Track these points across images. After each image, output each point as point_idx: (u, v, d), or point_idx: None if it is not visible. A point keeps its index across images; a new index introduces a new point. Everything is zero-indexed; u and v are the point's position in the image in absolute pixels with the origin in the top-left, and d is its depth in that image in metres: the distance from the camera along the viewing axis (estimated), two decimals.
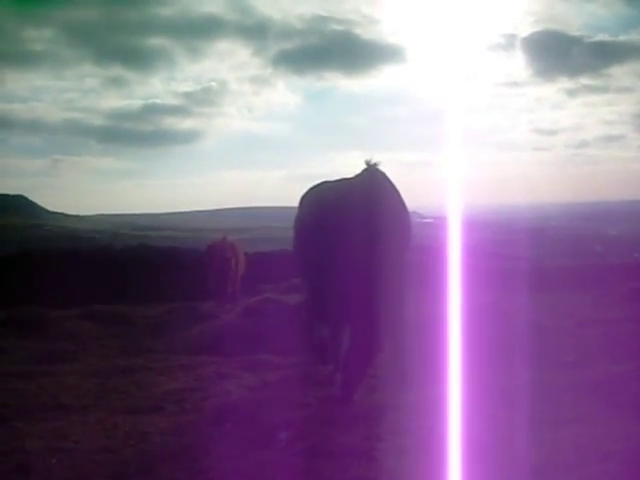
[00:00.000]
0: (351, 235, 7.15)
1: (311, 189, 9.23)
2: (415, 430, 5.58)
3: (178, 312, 14.32)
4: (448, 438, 5.21)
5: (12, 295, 25.69)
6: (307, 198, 9.15)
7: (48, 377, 9.01)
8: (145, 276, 25.73)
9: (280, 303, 12.19)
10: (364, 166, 7.66)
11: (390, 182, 7.51)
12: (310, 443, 5.26)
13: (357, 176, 7.69)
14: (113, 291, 26.90)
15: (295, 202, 8.66)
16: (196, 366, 9.44)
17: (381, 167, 7.54)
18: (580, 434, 5.33)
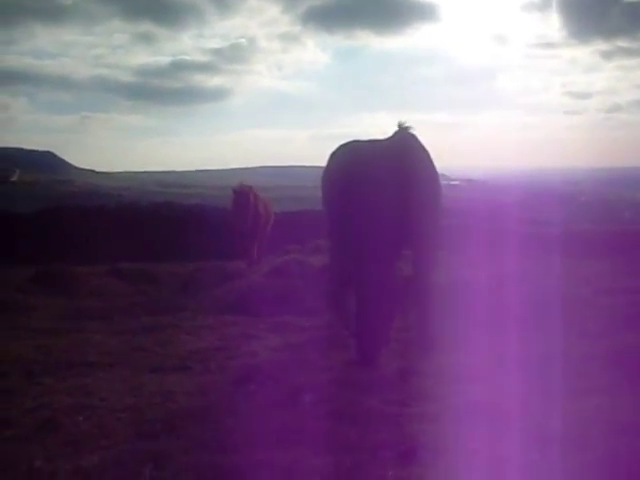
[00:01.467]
0: (382, 197, 7.11)
1: (341, 147, 9.19)
2: (439, 396, 5.58)
3: (205, 271, 14.32)
4: (470, 405, 5.20)
5: (40, 251, 26.03)
6: (337, 156, 9.10)
7: (76, 334, 9.12)
8: (172, 234, 25.78)
9: (306, 264, 12.17)
10: (395, 128, 7.61)
11: (422, 145, 7.47)
12: (334, 407, 5.27)
13: (388, 138, 7.63)
14: (141, 249, 27.12)
15: (322, 162, 8.60)
16: (222, 325, 9.51)
17: (412, 130, 7.47)
18: (600, 405, 5.29)
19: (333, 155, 9.10)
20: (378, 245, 6.90)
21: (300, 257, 12.85)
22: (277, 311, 10.47)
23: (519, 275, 9.94)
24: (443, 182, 7.63)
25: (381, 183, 7.14)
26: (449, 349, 7.34)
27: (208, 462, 4.23)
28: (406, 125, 7.50)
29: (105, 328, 9.65)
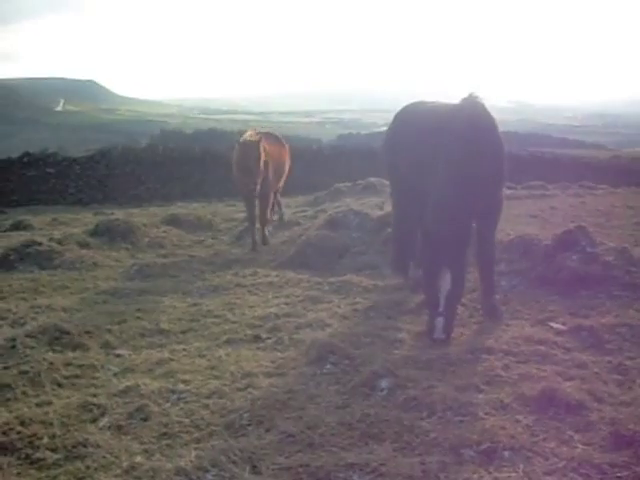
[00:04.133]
0: (451, 164, 7.19)
1: (406, 108, 9.23)
2: (512, 381, 5.69)
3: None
4: (546, 394, 5.28)
5: (95, 195, 26.48)
6: (403, 118, 9.14)
7: (144, 296, 9.38)
8: (219, 169, 25.68)
9: (364, 215, 12.23)
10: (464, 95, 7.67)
11: (491, 115, 7.52)
12: (411, 394, 5.41)
13: (457, 105, 7.68)
14: (191, 185, 27.37)
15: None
16: (285, 284, 9.69)
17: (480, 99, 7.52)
18: None
19: (398, 117, 9.17)
20: (468, 207, 6.99)
21: (357, 207, 12.88)
22: (337, 267, 10.63)
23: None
24: (488, 103, 7.72)
25: (451, 148, 7.24)
26: (515, 320, 7.43)
27: (301, 464, 4.42)
28: (474, 94, 7.54)
29: (171, 288, 9.89)
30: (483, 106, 7.47)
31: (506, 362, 6.06)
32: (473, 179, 7.06)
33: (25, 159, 27.00)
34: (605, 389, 5.49)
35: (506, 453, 4.52)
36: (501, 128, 7.79)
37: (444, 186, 7.13)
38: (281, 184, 14.71)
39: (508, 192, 16.24)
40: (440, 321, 6.69)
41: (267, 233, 13.50)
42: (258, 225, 13.33)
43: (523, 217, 13.30)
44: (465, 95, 7.57)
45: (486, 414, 5.08)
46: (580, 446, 4.60)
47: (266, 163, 12.54)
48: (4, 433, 5.08)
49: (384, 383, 5.66)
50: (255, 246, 12.89)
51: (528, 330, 6.95)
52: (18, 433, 5.08)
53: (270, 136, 14.08)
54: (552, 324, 7.14)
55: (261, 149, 12.20)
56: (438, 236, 6.85)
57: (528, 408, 5.16)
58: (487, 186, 7.22)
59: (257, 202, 13.12)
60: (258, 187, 12.17)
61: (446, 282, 6.72)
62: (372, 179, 20.16)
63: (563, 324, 7.11)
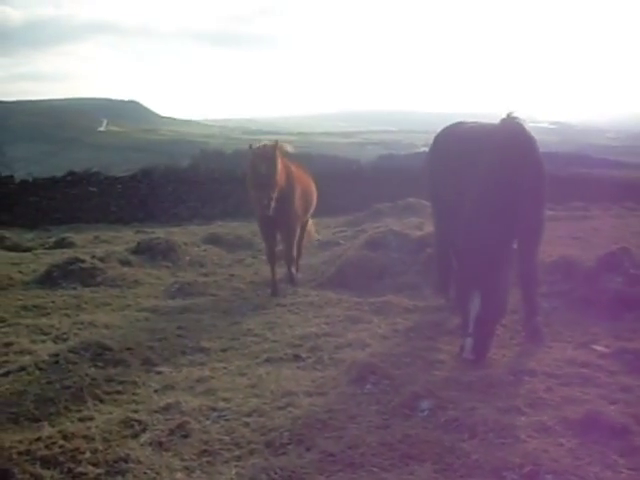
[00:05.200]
0: (490, 185, 7.17)
1: (446, 129, 9.25)
2: (554, 403, 5.62)
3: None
4: (589, 417, 5.21)
5: (136, 214, 26.76)
6: (442, 140, 9.15)
7: (185, 314, 9.45)
8: None
9: (404, 236, 12.20)
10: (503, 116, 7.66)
11: (531, 136, 7.49)
12: (452, 415, 5.38)
13: (498, 127, 7.66)
14: (231, 205, 27.52)
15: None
16: (325, 304, 9.69)
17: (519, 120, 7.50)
18: None
19: (439, 139, 9.16)
20: (502, 227, 6.96)
21: (397, 228, 12.84)
22: (377, 287, 10.61)
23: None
24: (529, 124, 7.71)
25: (492, 172, 7.22)
26: (558, 342, 7.36)
27: None
28: (513, 114, 7.53)
29: (211, 306, 9.96)
30: (522, 126, 7.45)
31: (549, 384, 6.01)
32: (511, 199, 7.03)
33: (69, 178, 27.43)
34: None
35: (549, 477, 4.45)
36: (542, 149, 7.75)
37: (477, 206, 7.10)
38: (307, 219, 12.61)
39: (549, 213, 16.03)
40: (469, 342, 6.65)
41: (294, 272, 11.65)
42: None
43: (565, 238, 13.17)
44: (504, 115, 7.56)
45: (528, 437, 5.02)
46: (625, 471, 4.53)
47: (291, 184, 10.76)
48: (47, 447, 5.13)
49: (425, 404, 5.62)
50: (276, 289, 10.83)
51: (571, 352, 6.89)
52: (61, 447, 5.13)
53: (299, 165, 12.07)
54: (595, 346, 7.05)
55: (277, 157, 10.22)
56: (468, 257, 6.83)
57: (571, 431, 5.09)
58: (527, 207, 7.17)
59: (279, 233, 11.19)
60: (273, 204, 9.94)
61: (476, 303, 6.68)
62: (412, 200, 20.13)
63: (606, 347, 7.02)
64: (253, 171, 10.11)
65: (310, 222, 13.20)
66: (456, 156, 8.33)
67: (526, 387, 6.00)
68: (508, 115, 7.51)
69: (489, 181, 7.20)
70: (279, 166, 10.23)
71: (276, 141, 10.60)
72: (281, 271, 11.53)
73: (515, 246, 7.29)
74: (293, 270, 11.57)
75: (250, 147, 10.35)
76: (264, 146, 10.26)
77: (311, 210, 12.42)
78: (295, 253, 11.65)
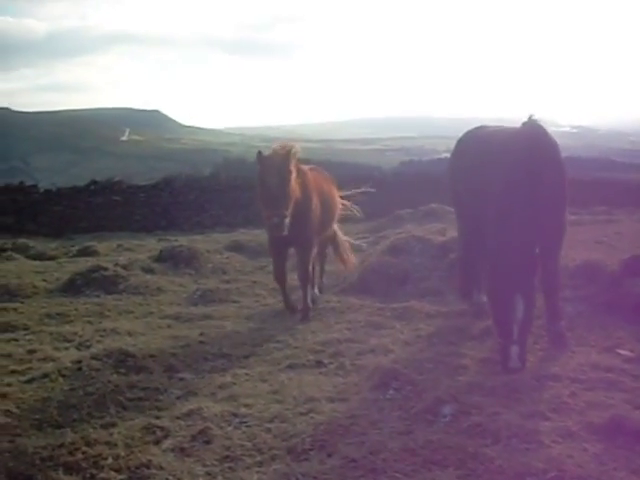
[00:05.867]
0: (512, 189, 7.12)
1: (468, 133, 9.21)
2: (579, 408, 5.57)
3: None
4: (614, 422, 5.15)
5: (159, 222, 26.88)
6: (464, 144, 9.11)
7: (207, 321, 9.46)
8: None
9: (426, 241, 12.15)
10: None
11: (552, 139, 7.44)
12: (475, 421, 5.33)
13: (520, 131, 7.60)
14: (253, 212, 27.55)
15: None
16: (347, 310, 9.67)
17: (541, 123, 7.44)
18: None
19: (461, 143, 9.11)
20: (532, 232, 6.89)
21: (419, 233, 12.79)
22: (400, 292, 10.57)
23: None
24: (551, 129, 7.64)
25: (515, 178, 7.17)
26: (582, 347, 7.29)
27: None
28: (534, 117, 7.47)
29: (233, 312, 9.97)
30: (544, 129, 7.39)
31: (573, 389, 5.94)
32: (534, 203, 6.97)
33: (92, 187, 27.60)
34: None
35: None
36: (565, 153, 7.70)
37: (505, 211, 7.04)
38: (329, 232, 10.88)
39: (572, 218, 15.97)
40: (515, 350, 6.52)
41: (316, 291, 10.58)
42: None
43: (588, 243, 13.05)
44: (525, 119, 7.51)
45: (552, 442, 4.97)
46: None
47: (307, 194, 9.30)
48: (70, 453, 5.15)
49: (447, 409, 5.58)
50: (293, 309, 9.81)
51: (595, 357, 6.82)
52: (83, 453, 5.14)
53: (316, 168, 10.73)
54: (620, 351, 6.98)
55: (291, 167, 8.78)
56: (508, 264, 6.72)
57: (596, 436, 5.03)
58: (549, 210, 7.12)
59: (293, 248, 9.80)
60: (287, 221, 8.55)
61: (519, 310, 6.58)
62: (434, 205, 20.08)
63: (631, 351, 6.95)
64: (262, 184, 8.66)
65: (340, 235, 11.60)
66: (478, 160, 8.29)
67: (550, 392, 5.94)
68: (529, 118, 7.46)
69: (512, 185, 7.15)
70: (293, 177, 8.80)
71: (289, 146, 9.04)
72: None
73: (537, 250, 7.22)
74: (314, 291, 10.34)
75: (259, 154, 8.84)
76: (275, 154, 8.83)
77: (335, 218, 10.80)
78: (310, 270, 9.83)
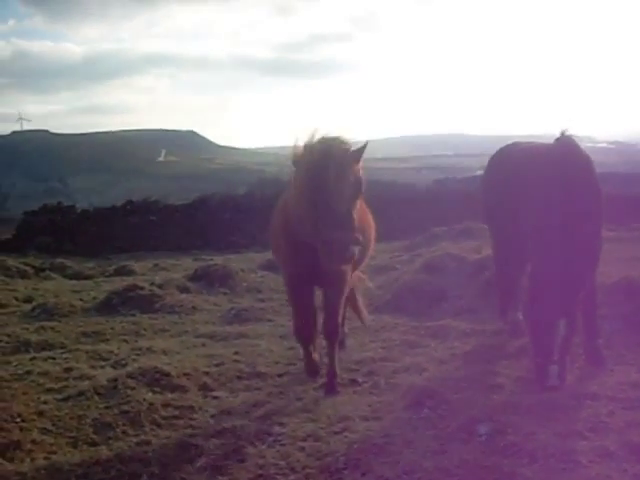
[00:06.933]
0: (547, 205, 7.04)
1: (501, 150, 9.14)
2: (617, 428, 5.47)
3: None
4: None
5: (194, 241, 27.04)
6: (497, 161, 9.04)
7: (242, 339, 9.47)
8: None
9: (461, 259, 12.07)
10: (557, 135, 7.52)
11: (585, 154, 7.34)
12: (511, 440, 5.27)
13: (553, 146, 7.51)
14: None
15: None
16: (381, 329, 9.62)
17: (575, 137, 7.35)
18: None
19: (494, 160, 9.03)
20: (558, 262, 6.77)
21: (454, 251, 12.71)
22: (435, 311, 10.50)
23: None
24: (587, 145, 7.51)
25: (549, 195, 7.09)
26: (620, 365, 7.17)
27: None
28: (567, 132, 7.38)
29: (268, 331, 9.98)
30: (576, 145, 7.30)
31: (611, 408, 5.84)
32: (570, 220, 6.88)
33: (128, 207, 27.89)
34: None
35: None
36: (603, 169, 7.60)
37: (547, 231, 6.95)
38: (362, 267, 8.49)
39: (611, 234, 15.79)
40: (554, 369, 6.40)
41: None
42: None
43: (626, 260, 12.85)
44: (558, 135, 7.43)
45: (590, 462, 4.89)
46: None
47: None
48: (105, 471, 5.20)
49: (483, 428, 5.52)
50: (315, 371, 7.45)
51: (635, 375, 6.69)
52: (118, 471, 5.19)
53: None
54: None
55: (358, 165, 6.11)
56: (551, 285, 6.61)
57: (635, 456, 4.94)
58: (584, 226, 7.00)
59: (323, 290, 7.22)
60: (356, 250, 5.90)
61: (560, 329, 6.45)
62: (469, 223, 19.95)
63: None
64: (318, 191, 5.83)
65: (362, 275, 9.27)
66: (511, 177, 8.21)
67: (588, 411, 5.83)
68: (562, 134, 7.38)
69: (547, 202, 7.07)
70: (359, 178, 6.09)
71: (346, 141, 6.17)
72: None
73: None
74: (337, 356, 7.37)
75: (304, 148, 6.20)
76: (337, 147, 6.01)
77: (368, 254, 8.05)
78: (340, 318, 7.45)
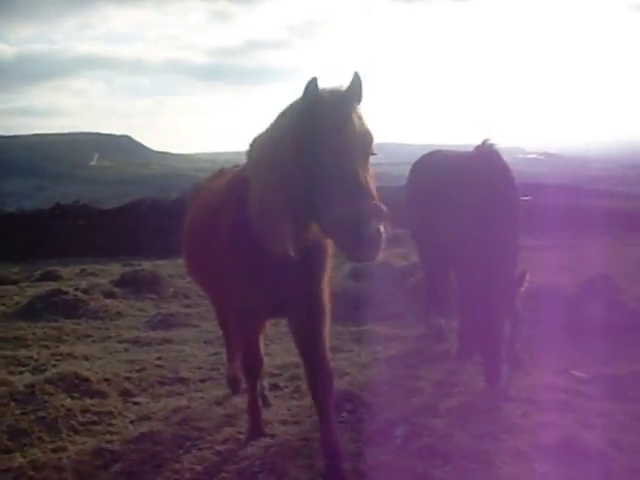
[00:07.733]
0: (470, 216, 7.15)
1: (422, 158, 9.26)
2: (530, 429, 5.59)
3: None
4: (564, 442, 5.18)
5: (124, 247, 26.64)
6: (419, 169, 9.16)
7: (166, 345, 9.39)
8: None
9: (389, 266, 12.20)
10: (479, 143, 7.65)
11: (505, 162, 7.47)
12: (426, 442, 5.34)
13: (473, 155, 7.64)
14: None
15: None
16: None
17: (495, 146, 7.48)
18: None
19: (417, 167, 9.16)
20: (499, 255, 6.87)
21: (381, 258, 12.78)
22: (359, 316, 10.56)
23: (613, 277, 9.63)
24: (518, 156, 7.66)
25: (469, 202, 7.19)
26: (537, 368, 7.33)
27: None
28: (489, 142, 7.51)
29: (193, 337, 9.91)
30: (497, 153, 7.42)
31: (525, 410, 6.00)
32: (490, 227, 6.99)
33: (56, 211, 27.34)
34: (627, 438, 5.39)
35: None
36: (533, 180, 7.74)
37: (465, 240, 7.06)
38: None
39: (536, 242, 16.16)
40: (506, 369, 6.44)
41: (265, 383, 6.72)
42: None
43: (550, 267, 13.15)
44: (479, 143, 7.57)
45: (502, 462, 5.00)
46: None
47: None
48: (16, 478, 5.09)
49: (399, 431, 5.59)
50: (260, 429, 5.76)
51: (549, 378, 6.87)
52: (30, 478, 5.10)
53: None
54: (574, 372, 7.03)
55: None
56: (495, 283, 6.70)
57: (545, 456, 5.06)
58: (504, 234, 7.12)
59: (302, 322, 5.42)
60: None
61: (507, 329, 6.53)
62: (396, 230, 20.14)
63: (585, 372, 7.00)
64: (311, 147, 4.04)
65: None
66: (432, 185, 8.33)
67: (503, 413, 5.97)
68: (484, 142, 7.52)
69: (465, 210, 7.19)
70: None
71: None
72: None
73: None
74: (263, 383, 6.55)
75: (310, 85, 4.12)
76: (343, 94, 4.21)
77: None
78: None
